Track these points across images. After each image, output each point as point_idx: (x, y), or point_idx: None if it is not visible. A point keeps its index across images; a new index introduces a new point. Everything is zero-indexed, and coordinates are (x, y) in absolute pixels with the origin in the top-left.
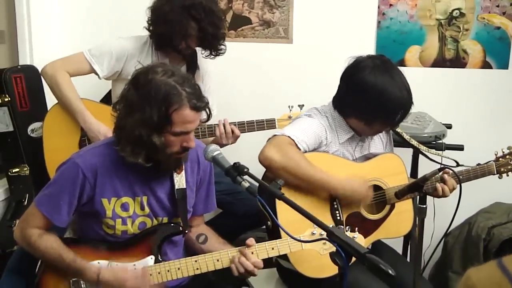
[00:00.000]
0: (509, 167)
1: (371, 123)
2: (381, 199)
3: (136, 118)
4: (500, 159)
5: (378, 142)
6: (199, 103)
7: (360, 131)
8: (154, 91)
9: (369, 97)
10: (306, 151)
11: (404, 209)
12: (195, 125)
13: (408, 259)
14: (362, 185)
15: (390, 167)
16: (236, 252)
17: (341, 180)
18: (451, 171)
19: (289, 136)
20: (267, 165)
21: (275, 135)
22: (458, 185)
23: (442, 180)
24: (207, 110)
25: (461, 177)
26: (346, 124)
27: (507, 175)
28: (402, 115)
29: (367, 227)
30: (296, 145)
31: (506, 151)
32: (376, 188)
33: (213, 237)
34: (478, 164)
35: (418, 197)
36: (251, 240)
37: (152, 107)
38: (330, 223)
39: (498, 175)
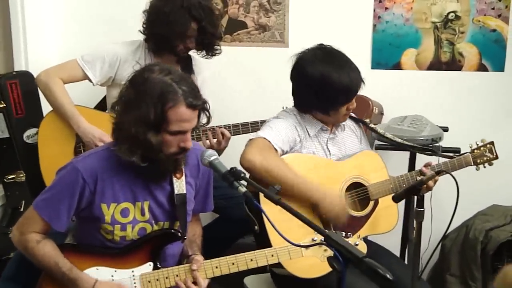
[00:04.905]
0: (485, 158)
1: (328, 111)
2: (364, 195)
3: (133, 116)
4: (475, 150)
5: (351, 135)
6: (196, 101)
7: (326, 121)
8: (150, 89)
9: (315, 88)
10: (283, 151)
11: (389, 204)
12: (191, 124)
13: (406, 263)
14: (341, 202)
15: (369, 164)
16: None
17: (323, 192)
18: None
19: (264, 138)
20: (248, 167)
21: (251, 139)
22: (456, 189)
23: (422, 174)
24: (207, 112)
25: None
26: (312, 118)
27: (484, 167)
28: (351, 93)
29: (354, 225)
30: (273, 146)
31: (480, 144)
32: (358, 185)
33: (189, 242)
34: (454, 156)
35: (416, 200)
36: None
37: (148, 104)
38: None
39: (475, 166)
